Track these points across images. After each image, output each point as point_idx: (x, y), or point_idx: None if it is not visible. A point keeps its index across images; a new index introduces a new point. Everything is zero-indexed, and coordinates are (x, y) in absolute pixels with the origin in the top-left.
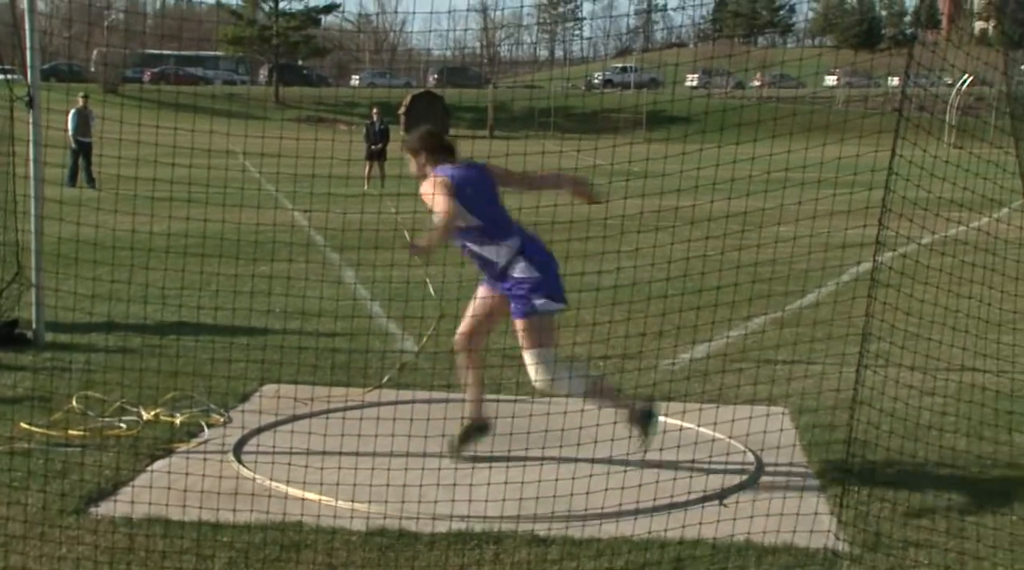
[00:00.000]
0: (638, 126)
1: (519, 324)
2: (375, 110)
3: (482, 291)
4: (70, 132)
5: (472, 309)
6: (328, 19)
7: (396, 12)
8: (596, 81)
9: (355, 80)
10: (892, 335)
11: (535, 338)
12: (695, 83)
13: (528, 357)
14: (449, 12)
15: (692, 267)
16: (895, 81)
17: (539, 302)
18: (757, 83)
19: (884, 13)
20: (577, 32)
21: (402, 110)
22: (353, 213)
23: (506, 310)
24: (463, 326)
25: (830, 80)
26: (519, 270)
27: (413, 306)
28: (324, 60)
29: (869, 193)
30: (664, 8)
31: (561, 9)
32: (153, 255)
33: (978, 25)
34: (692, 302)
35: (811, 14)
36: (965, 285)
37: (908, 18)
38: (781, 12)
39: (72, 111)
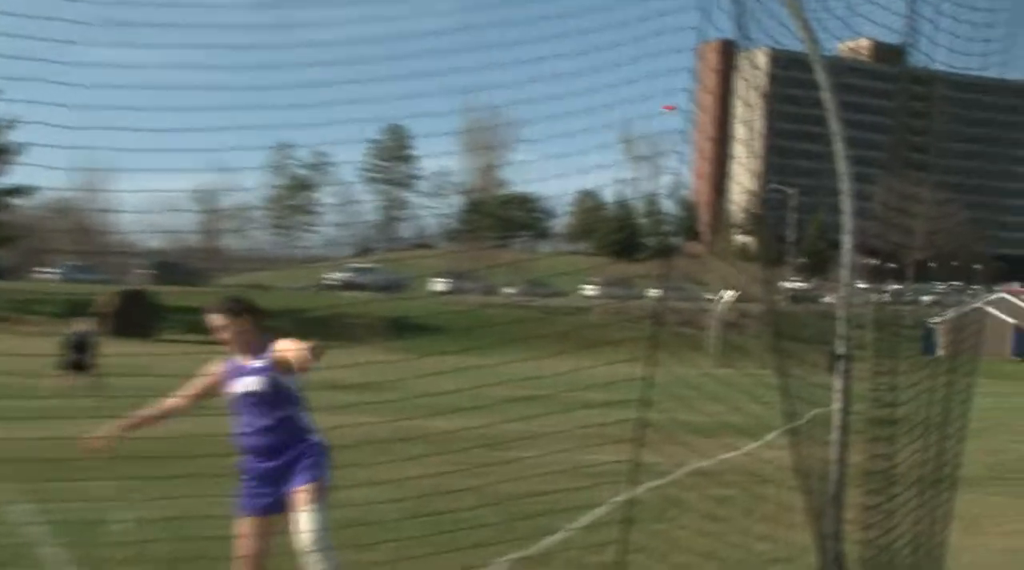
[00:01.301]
0: (380, 335)
1: (313, 486)
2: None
3: (249, 526)
4: None
5: (247, 546)
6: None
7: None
8: (332, 281)
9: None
10: None
11: (322, 499)
12: (444, 289)
13: (310, 517)
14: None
15: (431, 503)
16: (656, 292)
17: (329, 469)
18: (511, 290)
19: (644, 221)
20: (313, 227)
21: (105, 309)
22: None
23: (278, 527)
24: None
25: (590, 290)
26: (317, 436)
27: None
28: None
29: (631, 413)
30: (409, 206)
31: (296, 201)
32: None
33: (739, 239)
34: (433, 544)
35: (568, 218)
36: (723, 525)
37: (669, 228)
38: (540, 216)
39: None
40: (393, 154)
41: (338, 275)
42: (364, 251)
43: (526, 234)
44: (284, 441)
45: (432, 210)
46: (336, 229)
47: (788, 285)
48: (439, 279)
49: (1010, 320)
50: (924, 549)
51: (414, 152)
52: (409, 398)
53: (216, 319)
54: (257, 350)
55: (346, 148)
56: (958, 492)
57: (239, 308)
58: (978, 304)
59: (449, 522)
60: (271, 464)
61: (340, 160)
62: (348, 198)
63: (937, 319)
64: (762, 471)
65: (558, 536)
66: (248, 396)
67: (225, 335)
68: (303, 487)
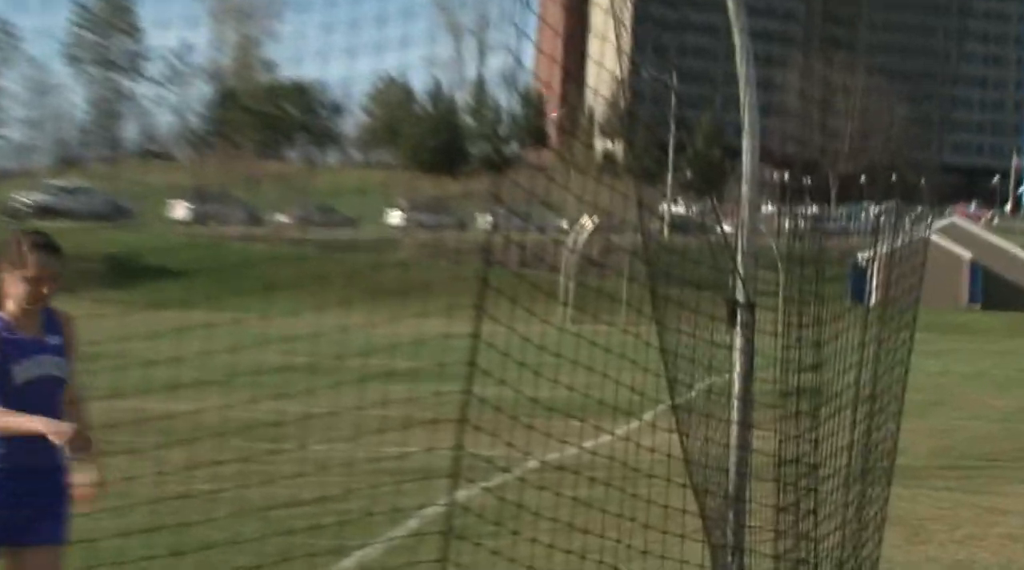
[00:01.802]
0: (94, 281)
1: (55, 552)
2: None
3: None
4: None
5: None
6: None
7: None
8: (22, 205)
9: None
10: None
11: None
12: (186, 216)
13: None
14: None
15: (167, 513)
16: (487, 218)
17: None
18: (282, 217)
19: (469, 121)
20: None
21: None
22: None
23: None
24: None
25: (394, 217)
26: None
27: None
28: None
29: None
30: (133, 99)
31: None
32: None
33: (602, 146)
34: None
35: (363, 116)
36: (586, 538)
37: (503, 130)
38: (322, 112)
39: None
40: (109, 23)
41: (35, 197)
42: (69, 163)
43: (303, 138)
44: (49, 458)
45: (167, 104)
46: (28, 130)
47: (670, 209)
48: (180, 203)
49: (964, 253)
50: (851, 564)
51: (139, 21)
52: (133, 367)
53: (48, 264)
54: (50, 318)
55: (40, 14)
56: (894, 487)
57: (58, 248)
58: (923, 232)
59: (195, 540)
60: (27, 485)
61: (30, 29)
62: (44, 85)
63: (868, 254)
64: (641, 463)
65: (347, 562)
66: (45, 384)
67: (43, 290)
68: (55, 547)
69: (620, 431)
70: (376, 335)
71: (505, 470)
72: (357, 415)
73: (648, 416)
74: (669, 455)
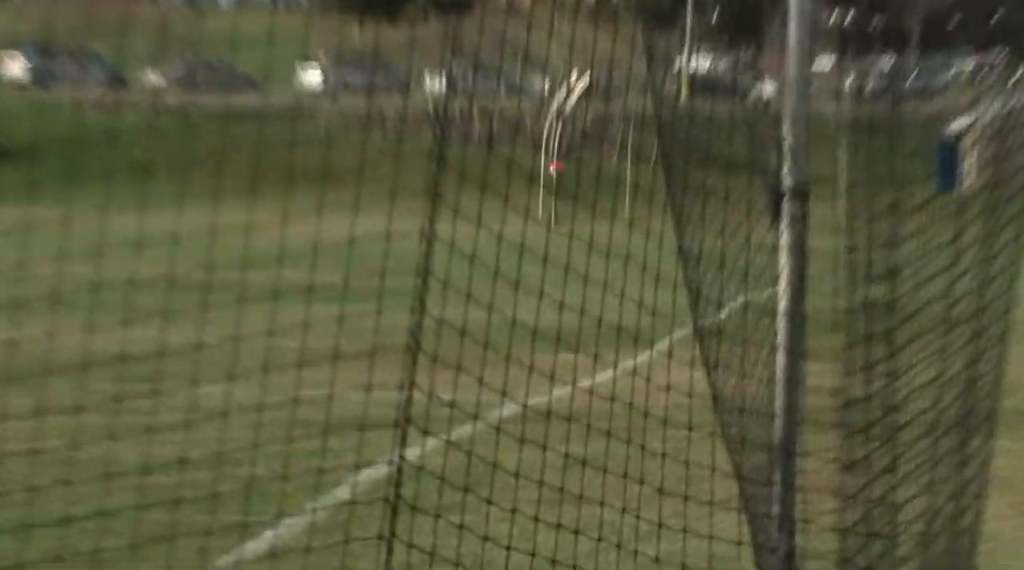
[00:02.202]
0: None
1: None
2: None
3: None
4: None
5: None
6: None
7: None
8: None
9: None
10: None
11: None
12: (23, 76)
13: None
14: None
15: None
16: (435, 83)
17: None
18: (155, 77)
19: None
20: None
21: None
22: None
23: None
24: None
25: (312, 76)
26: None
27: None
28: None
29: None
30: None
31: None
32: None
33: None
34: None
35: None
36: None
37: None
38: None
39: None
40: None
41: None
42: None
43: None
44: None
45: None
46: None
47: (691, 63)
48: (14, 56)
49: None
50: (944, 537)
51: None
52: None
53: None
54: None
55: None
56: (1000, 439)
57: None
58: None
59: (46, 513)
60: None
61: None
62: None
63: (964, 122)
64: (654, 407)
65: (254, 544)
66: None
67: None
68: None
69: (626, 364)
70: (290, 236)
71: (474, 417)
72: (265, 345)
73: (662, 345)
74: (691, 395)
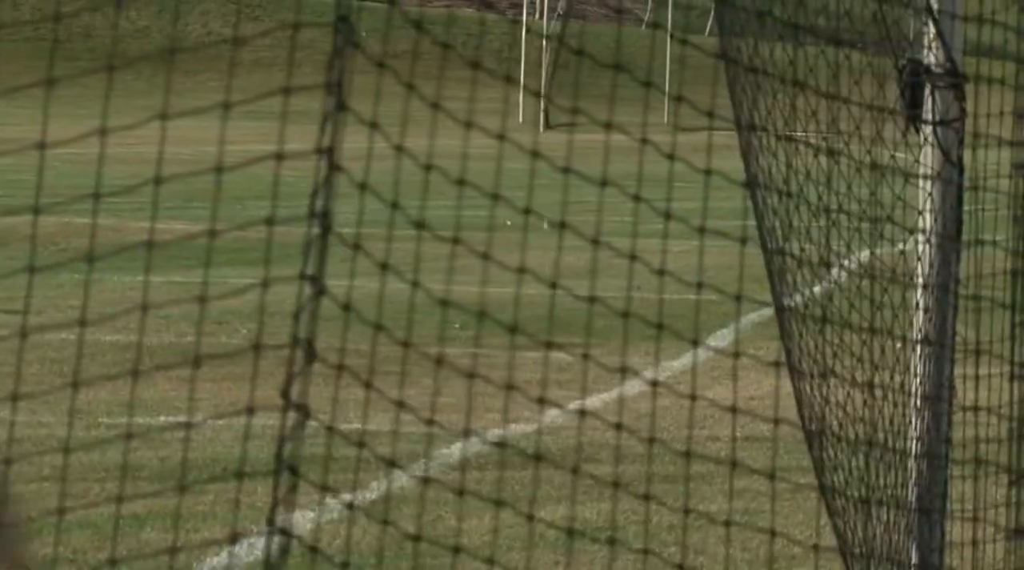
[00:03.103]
0: None
1: None
2: None
3: None
4: None
5: None
6: None
7: None
8: None
9: None
10: None
11: None
12: None
13: None
14: None
15: None
16: None
17: None
18: None
19: None
20: None
21: None
22: None
23: None
24: None
25: None
26: None
27: None
28: None
29: None
30: None
31: None
32: None
33: None
34: None
35: None
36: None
37: None
38: None
39: None
40: None
41: None
42: None
43: None
44: None
45: None
46: None
47: None
48: None
49: None
50: None
51: None
52: None
53: None
54: None
55: None
56: None
57: None
58: None
59: None
60: None
61: None
62: None
63: None
64: (706, 440)
65: None
66: None
67: None
68: None
69: (669, 369)
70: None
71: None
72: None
73: (719, 338)
74: (776, 421)
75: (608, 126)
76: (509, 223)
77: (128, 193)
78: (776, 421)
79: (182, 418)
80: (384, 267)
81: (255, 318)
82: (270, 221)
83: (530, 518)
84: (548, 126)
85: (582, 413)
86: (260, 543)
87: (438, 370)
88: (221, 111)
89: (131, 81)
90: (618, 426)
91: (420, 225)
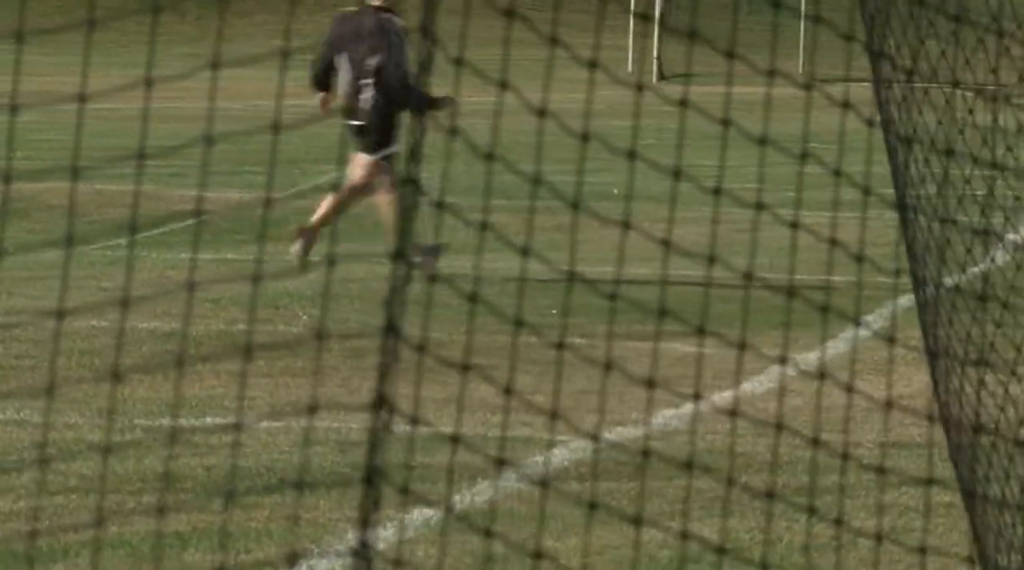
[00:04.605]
0: None
1: None
2: None
3: None
4: None
5: None
6: None
7: None
8: None
9: None
10: None
11: None
12: None
13: None
14: None
15: None
16: None
17: None
18: None
19: None
20: None
21: None
22: None
23: None
24: None
25: None
26: None
27: None
28: None
29: None
30: None
31: None
32: None
33: None
34: None
35: None
36: None
37: None
38: None
39: None
40: None
41: None
42: None
43: None
44: None
45: None
46: None
47: None
48: None
49: None
50: None
51: None
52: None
53: None
54: None
55: None
56: None
57: None
58: None
59: None
60: None
61: None
62: None
63: None
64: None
65: None
66: None
67: None
68: None
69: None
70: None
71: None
72: None
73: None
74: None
75: (729, 79)
76: (616, 192)
77: (170, 155)
78: (931, 419)
79: (232, 419)
80: (525, 251)
81: (317, 302)
82: (335, 188)
83: (683, 536)
84: (662, 77)
85: (732, 413)
86: (322, 566)
87: (559, 363)
88: (279, 59)
89: (175, 24)
90: (778, 427)
91: (536, 180)
